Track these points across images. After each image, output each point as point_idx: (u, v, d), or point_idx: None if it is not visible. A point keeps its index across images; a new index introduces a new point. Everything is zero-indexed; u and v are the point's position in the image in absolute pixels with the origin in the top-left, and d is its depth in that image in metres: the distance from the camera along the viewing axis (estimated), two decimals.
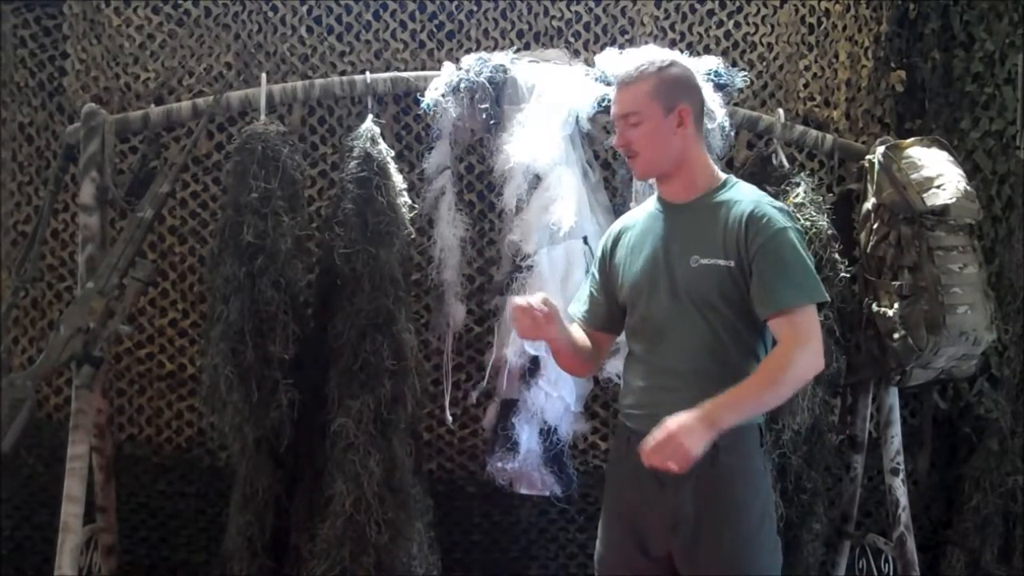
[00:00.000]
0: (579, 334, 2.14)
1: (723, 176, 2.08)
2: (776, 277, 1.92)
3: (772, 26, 3.15)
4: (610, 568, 2.10)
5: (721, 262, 1.95)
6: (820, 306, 2.00)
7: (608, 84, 2.64)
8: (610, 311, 2.14)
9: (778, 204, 2.04)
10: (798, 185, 2.72)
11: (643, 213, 2.14)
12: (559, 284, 2.54)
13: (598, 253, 2.21)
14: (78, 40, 3.09)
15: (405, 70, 2.99)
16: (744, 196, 2.01)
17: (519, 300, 1.99)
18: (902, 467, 2.87)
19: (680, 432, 1.81)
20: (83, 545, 2.61)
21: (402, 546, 2.54)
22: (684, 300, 1.98)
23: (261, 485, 2.58)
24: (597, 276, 2.18)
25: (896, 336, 2.63)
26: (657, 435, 1.82)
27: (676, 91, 2.02)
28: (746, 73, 2.83)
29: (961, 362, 2.70)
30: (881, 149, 2.75)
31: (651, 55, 2.16)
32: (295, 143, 2.66)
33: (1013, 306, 3.14)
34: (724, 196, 2.02)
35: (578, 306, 2.21)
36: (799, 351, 1.90)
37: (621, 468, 2.08)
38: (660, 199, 2.10)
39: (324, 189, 3.06)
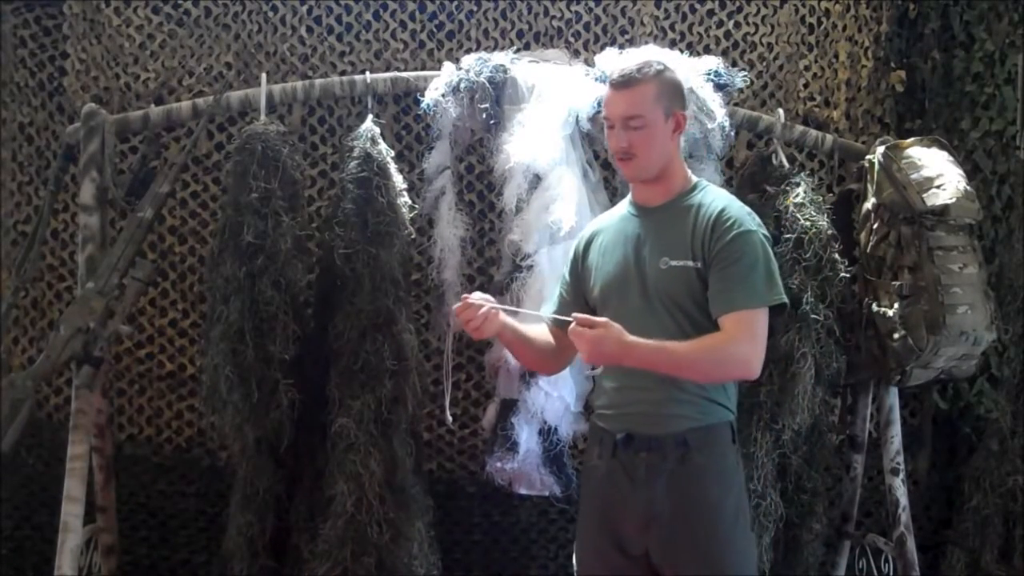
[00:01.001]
0: (537, 332, 2.15)
1: (694, 179, 2.10)
2: (732, 278, 1.94)
3: (772, 26, 3.15)
4: (587, 568, 2.10)
5: (689, 263, 1.98)
6: (781, 310, 2.02)
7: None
8: (578, 312, 2.13)
9: (748, 209, 2.05)
10: (798, 185, 2.72)
11: (615, 216, 2.17)
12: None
13: (570, 255, 2.23)
14: (78, 40, 3.09)
15: (405, 70, 2.99)
16: (714, 198, 2.04)
17: (459, 304, 2.00)
18: (902, 467, 2.87)
19: (607, 338, 1.87)
20: (83, 545, 2.61)
21: (403, 546, 2.54)
22: (654, 301, 1.99)
23: (261, 485, 2.58)
24: (568, 278, 2.20)
25: (896, 336, 2.63)
26: (594, 330, 1.88)
27: (674, 96, 2.05)
28: (746, 73, 2.83)
29: (961, 362, 2.70)
30: (881, 149, 2.75)
31: (643, 56, 2.17)
32: (295, 143, 2.66)
33: (1013, 306, 3.14)
34: (695, 199, 2.04)
35: (548, 307, 2.23)
36: (738, 346, 1.93)
37: (596, 468, 2.09)
38: (633, 202, 2.13)
39: (324, 189, 3.06)
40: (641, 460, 1.99)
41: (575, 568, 2.15)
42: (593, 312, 2.12)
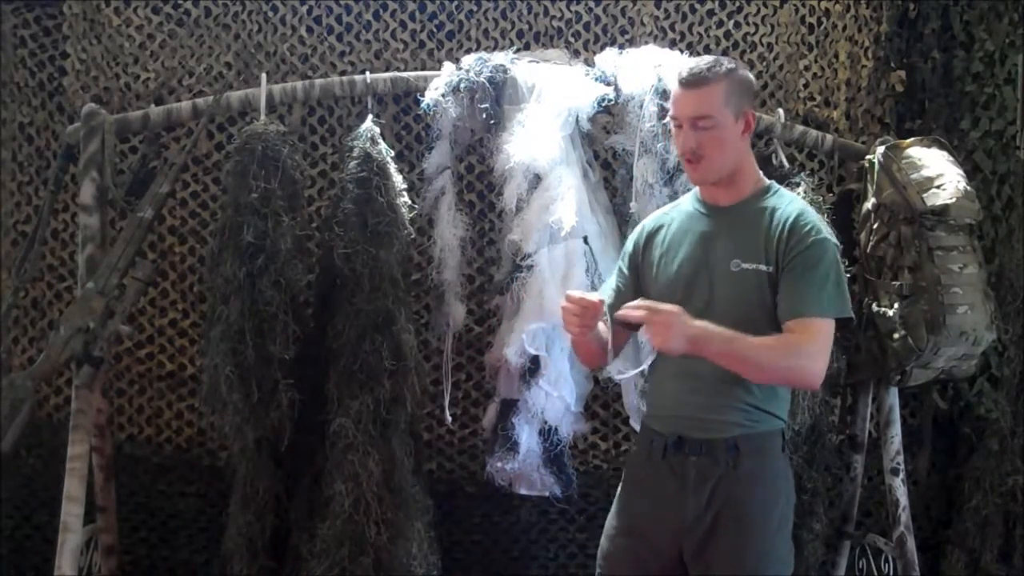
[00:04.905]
0: (601, 327, 2.10)
1: (767, 181, 2.07)
2: (805, 285, 1.92)
3: (772, 26, 3.15)
4: (613, 565, 2.09)
5: (762, 267, 1.95)
6: (845, 324, 2.00)
7: (608, 84, 2.64)
8: None
9: (820, 217, 2.02)
10: (798, 185, 2.71)
11: (679, 212, 2.12)
12: (559, 284, 2.54)
13: (628, 247, 2.18)
14: (78, 40, 3.09)
15: (405, 70, 2.99)
16: (789, 203, 2.01)
17: (577, 294, 1.98)
18: (902, 467, 2.87)
19: (676, 321, 1.85)
20: (83, 545, 2.61)
21: (401, 546, 2.54)
22: (719, 303, 1.96)
23: (261, 485, 2.58)
24: (626, 271, 2.16)
25: (896, 336, 2.63)
26: (661, 307, 1.86)
27: (744, 94, 2.00)
28: None
29: (961, 362, 2.70)
30: (881, 149, 2.75)
31: (713, 57, 2.11)
32: (295, 143, 2.66)
33: (1013, 306, 3.14)
34: (769, 202, 2.01)
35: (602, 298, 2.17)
36: (806, 352, 1.90)
37: (640, 468, 2.09)
38: (701, 200, 2.08)
39: (324, 189, 3.06)
40: (691, 464, 1.97)
41: (598, 562, 2.12)
42: None
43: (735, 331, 1.88)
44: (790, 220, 1.96)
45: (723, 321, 1.93)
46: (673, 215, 2.13)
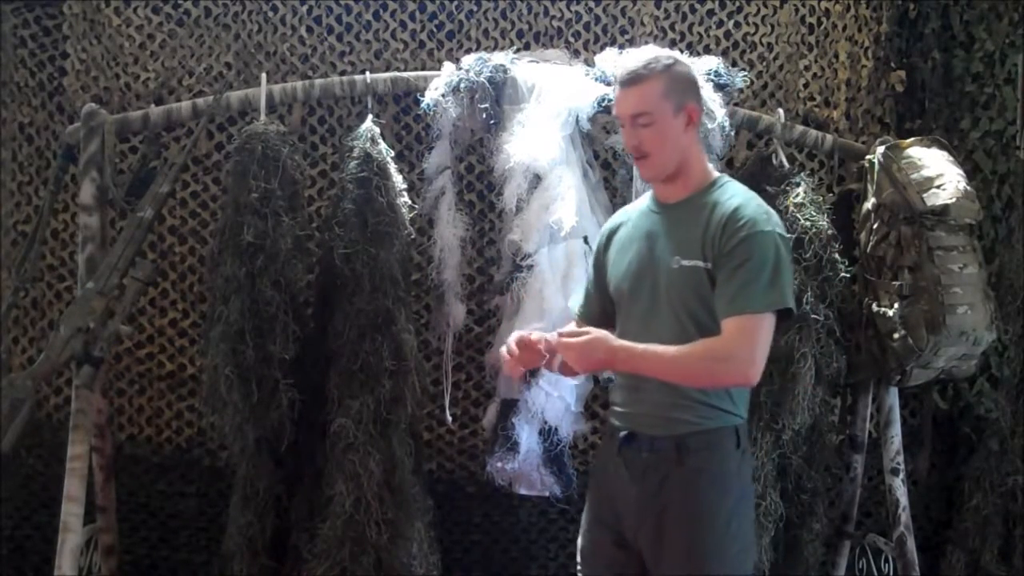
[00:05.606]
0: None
1: (715, 175, 2.04)
2: (736, 280, 1.88)
3: (772, 26, 3.15)
4: (586, 560, 2.11)
5: (700, 264, 1.93)
6: (788, 315, 1.95)
7: (608, 84, 2.64)
8: (603, 306, 2.14)
9: (766, 207, 1.98)
10: (798, 185, 2.72)
11: (636, 211, 2.13)
12: (559, 284, 2.54)
13: (594, 248, 2.22)
14: (78, 40, 3.09)
15: (405, 70, 3.00)
16: (732, 196, 1.97)
17: (504, 351, 2.02)
18: (902, 467, 2.88)
19: (586, 349, 1.90)
20: (83, 545, 2.61)
21: (402, 546, 2.55)
22: (663, 302, 1.97)
23: (261, 485, 2.58)
24: (592, 272, 2.20)
25: (896, 336, 2.64)
26: (580, 339, 1.91)
27: (685, 90, 1.99)
28: (746, 73, 2.83)
29: (961, 362, 2.70)
30: (881, 149, 2.75)
31: (652, 52, 2.11)
32: (295, 143, 2.66)
33: (1013, 306, 3.14)
34: (712, 196, 1.98)
35: (575, 301, 2.23)
36: (733, 353, 1.87)
37: (602, 463, 2.11)
38: (653, 198, 2.09)
39: (324, 189, 3.06)
40: (642, 459, 1.99)
41: (578, 559, 2.14)
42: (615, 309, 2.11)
43: (653, 344, 1.90)
44: (726, 215, 1.92)
45: (670, 319, 1.95)
46: (631, 214, 2.14)
